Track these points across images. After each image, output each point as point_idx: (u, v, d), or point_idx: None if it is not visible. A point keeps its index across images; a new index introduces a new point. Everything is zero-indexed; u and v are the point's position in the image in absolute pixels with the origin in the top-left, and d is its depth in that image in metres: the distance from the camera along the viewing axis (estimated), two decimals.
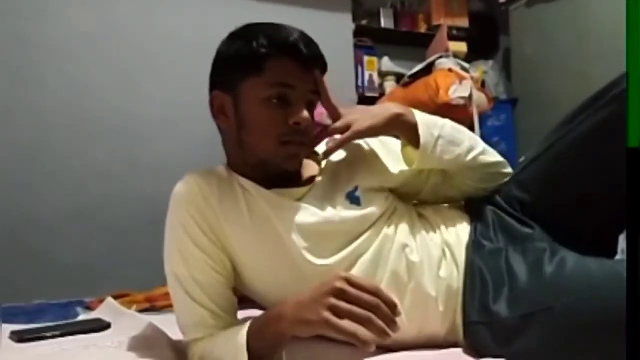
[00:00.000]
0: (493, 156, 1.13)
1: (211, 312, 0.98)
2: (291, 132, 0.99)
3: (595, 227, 1.02)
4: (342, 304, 0.78)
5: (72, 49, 2.48)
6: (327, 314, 0.78)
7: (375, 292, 0.80)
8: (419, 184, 1.15)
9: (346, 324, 0.77)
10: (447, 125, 1.09)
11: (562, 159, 1.04)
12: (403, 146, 1.11)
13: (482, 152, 1.11)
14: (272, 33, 1.00)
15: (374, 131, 1.06)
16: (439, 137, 1.05)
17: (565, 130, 1.04)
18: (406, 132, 1.07)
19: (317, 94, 1.03)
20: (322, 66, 1.04)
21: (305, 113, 0.99)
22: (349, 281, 0.81)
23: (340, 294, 0.79)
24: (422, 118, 1.07)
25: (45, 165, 2.39)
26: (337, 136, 1.05)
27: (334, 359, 0.95)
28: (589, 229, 1.02)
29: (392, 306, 0.80)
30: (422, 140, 1.04)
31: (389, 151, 1.14)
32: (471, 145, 1.09)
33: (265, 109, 0.98)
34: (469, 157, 1.09)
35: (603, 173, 0.98)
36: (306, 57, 0.99)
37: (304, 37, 1.01)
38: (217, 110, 1.05)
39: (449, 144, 1.07)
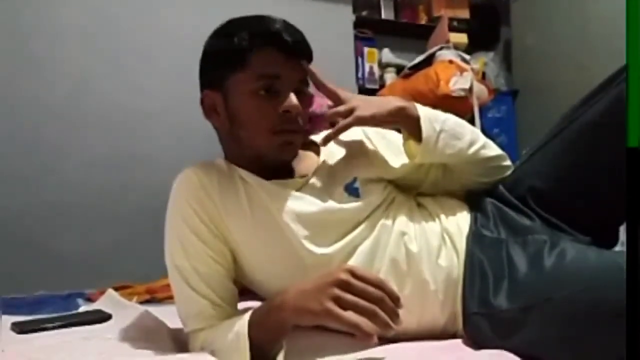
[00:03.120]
0: (494, 150, 1.13)
1: (212, 302, 0.99)
2: (282, 122, 0.99)
3: (602, 214, 1.03)
4: (347, 296, 0.79)
5: (71, 42, 2.47)
6: (331, 305, 0.79)
7: (379, 285, 0.80)
8: (419, 178, 1.15)
9: (349, 315, 0.78)
10: (449, 120, 1.09)
11: (573, 143, 1.04)
12: (405, 140, 1.10)
13: (483, 146, 1.11)
14: (253, 25, 1.00)
15: (377, 121, 1.05)
16: (441, 131, 1.05)
17: (578, 114, 1.04)
18: (409, 125, 1.07)
19: (306, 82, 1.04)
20: (307, 54, 1.03)
21: (294, 100, 0.98)
22: (354, 273, 0.81)
23: (344, 285, 0.80)
24: (424, 112, 1.07)
25: (45, 158, 2.38)
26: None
27: (333, 350, 0.95)
28: (596, 216, 1.03)
29: (396, 299, 0.80)
30: (424, 134, 1.04)
31: (389, 144, 1.14)
32: (472, 139, 1.09)
33: (254, 102, 0.99)
34: (471, 151, 1.08)
35: (614, 156, 0.97)
36: (290, 45, 0.99)
37: (287, 25, 1.01)
38: (208, 109, 1.05)
39: (451, 137, 1.06)
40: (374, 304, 0.78)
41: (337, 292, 0.79)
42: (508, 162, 1.15)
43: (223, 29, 1.04)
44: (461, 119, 1.13)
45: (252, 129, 1.01)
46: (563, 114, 1.07)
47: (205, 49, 1.05)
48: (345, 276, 0.81)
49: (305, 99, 1.04)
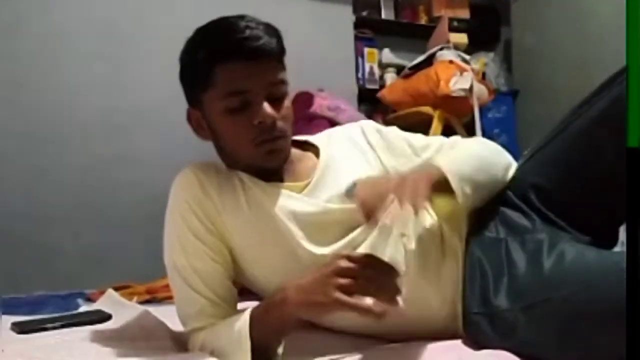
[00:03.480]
0: (509, 171, 1.09)
1: (211, 302, 0.99)
2: (260, 133, 0.98)
3: (602, 213, 1.02)
4: (351, 282, 0.81)
5: (69, 43, 2.47)
6: (338, 294, 0.81)
7: (375, 264, 0.84)
8: None
9: (358, 300, 0.80)
10: (476, 175, 0.99)
11: (574, 142, 1.03)
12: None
13: (503, 177, 1.07)
14: (212, 39, 0.99)
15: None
16: (473, 192, 0.97)
17: (580, 113, 1.03)
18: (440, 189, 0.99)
19: (280, 82, 1.01)
20: (275, 51, 0.99)
21: (267, 110, 0.97)
22: (351, 259, 0.84)
23: (345, 272, 0.82)
24: (453, 176, 0.94)
25: (45, 158, 2.39)
26: None
27: (330, 348, 0.96)
28: (596, 215, 1.02)
29: (394, 272, 0.84)
30: (460, 201, 0.96)
31: (388, 146, 1.13)
32: (494, 177, 1.05)
33: (228, 119, 0.99)
34: (495, 187, 1.06)
35: (614, 156, 0.97)
36: (252, 53, 0.96)
37: (248, 29, 0.97)
38: (195, 126, 1.07)
39: (479, 190, 1.00)
40: (377, 282, 0.82)
41: (341, 280, 0.81)
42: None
43: (188, 45, 1.04)
44: (482, 150, 1.07)
45: (234, 144, 1.02)
46: (565, 114, 1.07)
47: (180, 66, 1.06)
48: (344, 264, 0.83)
49: (282, 99, 1.01)
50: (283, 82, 1.02)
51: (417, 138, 1.16)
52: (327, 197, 1.03)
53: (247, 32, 0.97)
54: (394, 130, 1.15)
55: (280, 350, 0.90)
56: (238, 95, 0.97)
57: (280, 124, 1.00)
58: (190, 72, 1.02)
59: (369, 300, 0.80)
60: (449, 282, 1.00)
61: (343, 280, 0.81)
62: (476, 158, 1.04)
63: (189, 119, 1.07)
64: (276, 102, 1.00)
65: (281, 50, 1.02)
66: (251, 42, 0.96)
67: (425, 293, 0.99)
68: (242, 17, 0.99)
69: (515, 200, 1.07)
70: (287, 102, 1.03)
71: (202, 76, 0.99)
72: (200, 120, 1.05)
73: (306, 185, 1.05)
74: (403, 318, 0.96)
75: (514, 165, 1.11)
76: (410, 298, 0.97)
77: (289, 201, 1.01)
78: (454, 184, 0.93)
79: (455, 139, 1.18)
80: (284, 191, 1.02)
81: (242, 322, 0.90)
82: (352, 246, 1.00)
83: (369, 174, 1.08)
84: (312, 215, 1.00)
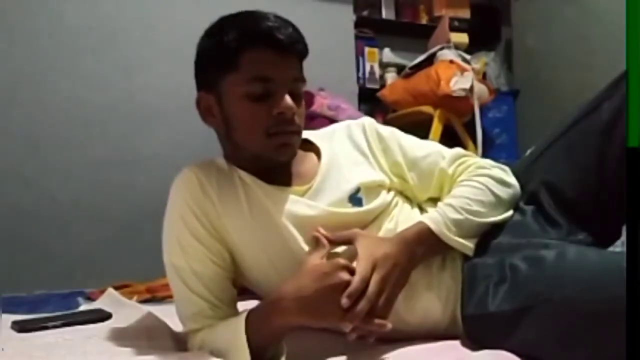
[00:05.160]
0: (508, 205, 1.07)
1: (210, 303, 0.99)
2: (277, 123, 0.97)
3: (608, 211, 1.02)
4: (352, 301, 0.84)
5: (70, 41, 2.47)
6: (340, 311, 0.84)
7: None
8: (419, 195, 1.14)
9: (362, 317, 0.84)
10: (465, 220, 1.00)
11: (582, 140, 1.03)
12: None
13: (506, 213, 1.06)
14: (243, 25, 0.98)
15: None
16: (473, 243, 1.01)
17: (589, 110, 1.03)
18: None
19: (301, 80, 1.02)
20: (302, 49, 1.01)
21: (288, 101, 0.97)
22: (350, 270, 0.87)
23: (345, 285, 0.84)
24: (449, 240, 0.99)
25: (45, 157, 2.39)
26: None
27: (330, 348, 0.96)
28: (604, 213, 1.02)
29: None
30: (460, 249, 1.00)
31: (385, 151, 1.12)
32: (495, 221, 1.03)
33: (247, 105, 0.97)
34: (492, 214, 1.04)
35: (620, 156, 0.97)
36: (282, 44, 0.96)
37: (278, 22, 0.98)
38: (204, 111, 1.04)
39: (478, 234, 1.02)
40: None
41: (343, 300, 0.83)
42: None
43: (213, 28, 1.02)
44: (472, 190, 1.04)
45: (247, 132, 1.00)
46: (568, 116, 1.06)
47: (197, 50, 1.04)
48: (346, 277, 0.85)
49: (301, 97, 1.02)
50: (304, 81, 1.02)
51: (413, 146, 1.13)
52: (328, 201, 1.02)
53: (278, 23, 0.97)
54: (393, 134, 1.13)
55: (284, 352, 0.90)
56: (262, 82, 0.96)
57: (297, 119, 1.00)
58: (212, 55, 1.00)
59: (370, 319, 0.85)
60: (450, 288, 0.99)
61: (345, 301, 0.83)
62: (474, 214, 1.01)
63: (198, 104, 1.05)
64: (295, 98, 0.99)
65: (306, 52, 1.02)
66: (282, 33, 0.96)
67: (427, 300, 0.99)
68: (270, 14, 1.00)
69: (519, 203, 1.07)
70: (303, 102, 1.04)
71: (226, 59, 0.97)
72: (212, 105, 1.02)
73: (308, 189, 1.04)
74: (406, 324, 0.96)
75: (517, 193, 1.08)
76: (412, 305, 0.97)
77: (291, 204, 1.00)
78: (456, 247, 0.99)
79: (453, 155, 1.12)
80: (285, 194, 1.01)
81: (239, 327, 0.90)
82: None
83: (371, 179, 1.07)
84: (313, 218, 0.99)
